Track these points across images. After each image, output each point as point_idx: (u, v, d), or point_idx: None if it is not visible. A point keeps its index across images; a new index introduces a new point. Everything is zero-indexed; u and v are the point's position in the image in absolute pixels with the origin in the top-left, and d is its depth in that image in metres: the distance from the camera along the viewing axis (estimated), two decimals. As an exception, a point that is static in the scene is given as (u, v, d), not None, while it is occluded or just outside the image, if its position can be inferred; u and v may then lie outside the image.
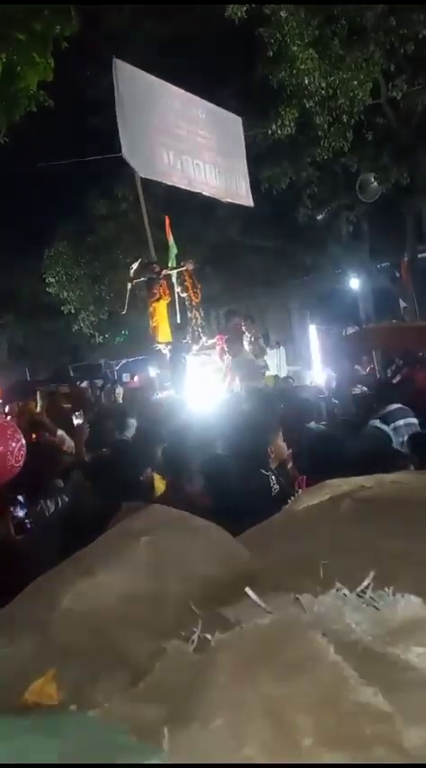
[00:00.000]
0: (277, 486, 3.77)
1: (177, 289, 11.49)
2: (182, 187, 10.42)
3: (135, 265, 11.58)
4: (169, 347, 10.67)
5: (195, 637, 0.73)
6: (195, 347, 10.89)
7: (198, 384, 9.83)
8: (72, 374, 16.83)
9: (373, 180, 14.42)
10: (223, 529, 1.08)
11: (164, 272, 11.29)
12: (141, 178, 9.57)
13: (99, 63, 10.82)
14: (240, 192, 11.59)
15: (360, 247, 18.05)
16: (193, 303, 11.41)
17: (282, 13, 11.86)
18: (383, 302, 18.66)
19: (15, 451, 3.57)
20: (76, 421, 6.84)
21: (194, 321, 11.32)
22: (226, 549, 0.98)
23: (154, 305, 11.21)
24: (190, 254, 12.27)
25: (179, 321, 11.51)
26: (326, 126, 13.04)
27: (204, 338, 11.21)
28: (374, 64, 12.18)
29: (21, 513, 3.74)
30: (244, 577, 0.93)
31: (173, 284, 11.46)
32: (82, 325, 18.13)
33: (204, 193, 10.85)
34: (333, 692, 0.58)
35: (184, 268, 11.44)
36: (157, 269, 11.25)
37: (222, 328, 11.39)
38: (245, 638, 0.67)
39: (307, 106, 12.62)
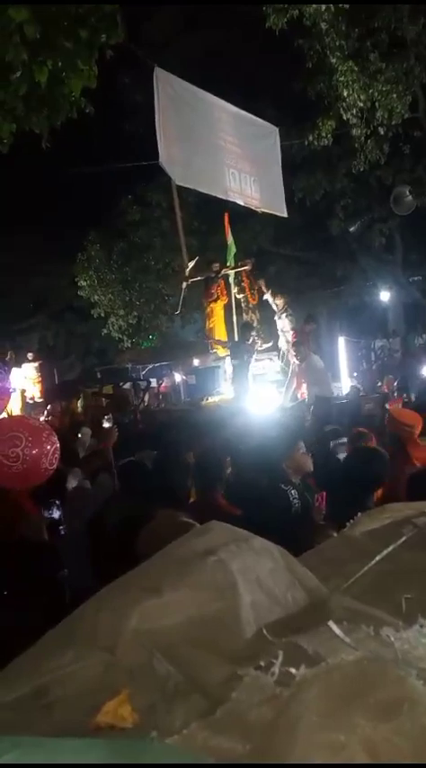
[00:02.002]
0: (297, 501, 3.65)
1: (234, 289, 11.07)
2: (218, 196, 10.44)
3: (191, 264, 11.14)
4: (229, 347, 10.22)
5: (276, 669, 0.71)
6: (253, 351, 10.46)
7: (255, 390, 9.50)
8: (99, 376, 16.93)
9: (408, 193, 14.29)
10: (285, 550, 1.06)
11: (223, 271, 10.97)
12: (177, 185, 9.62)
13: (137, 71, 10.93)
14: (274, 202, 11.56)
15: (392, 260, 17.91)
16: (250, 304, 11.05)
17: (322, 25, 11.83)
18: (413, 316, 18.48)
19: (50, 454, 3.57)
20: (106, 424, 6.87)
21: (251, 323, 10.90)
22: (294, 574, 0.95)
23: (211, 305, 10.97)
24: (201, 266, 11.91)
25: (235, 322, 11.06)
26: (363, 138, 12.97)
27: (260, 341, 10.83)
28: (414, 77, 12.09)
29: (55, 516, 3.75)
30: (316, 604, 0.91)
31: (230, 284, 11.07)
32: (111, 329, 18.27)
33: (239, 202, 10.84)
34: (436, 738, 0.56)
35: (243, 268, 11.05)
36: (217, 267, 11.00)
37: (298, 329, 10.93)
38: (333, 674, 0.65)
39: (345, 118, 12.57)
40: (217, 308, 10.83)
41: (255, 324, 10.87)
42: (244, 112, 10.98)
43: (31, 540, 3.31)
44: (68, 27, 5.74)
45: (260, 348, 10.67)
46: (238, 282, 11.11)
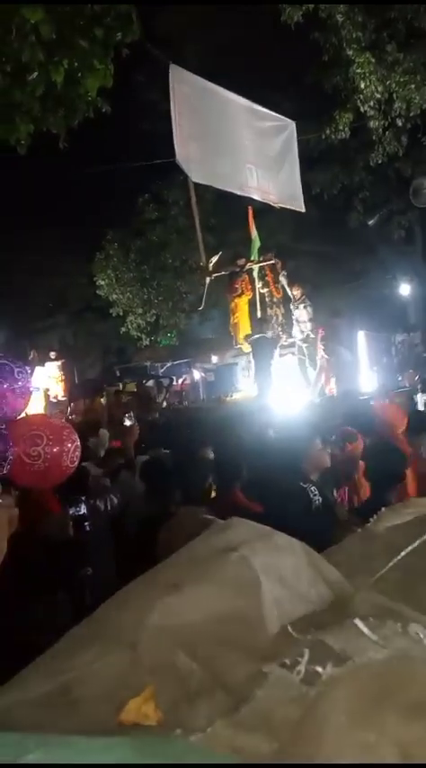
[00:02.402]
0: (318, 498, 3.62)
1: (258, 284, 10.88)
2: (234, 192, 10.39)
3: (215, 258, 11.04)
4: (253, 342, 10.04)
5: (302, 667, 0.69)
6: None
7: (280, 385, 9.32)
8: (118, 375, 17.02)
9: (427, 185, 14.12)
10: (308, 546, 1.04)
11: (248, 265, 10.82)
12: (194, 183, 9.60)
13: (153, 67, 10.92)
14: (292, 197, 11.46)
15: (412, 252, 17.71)
16: (275, 299, 10.89)
17: (338, 17, 11.72)
18: (434, 309, 18.25)
19: (71, 452, 3.59)
20: (127, 422, 6.89)
21: (275, 318, 10.75)
22: (317, 570, 0.94)
23: (235, 300, 10.83)
24: (225, 261, 11.61)
25: (259, 317, 10.85)
26: (381, 130, 12.82)
27: (284, 336, 10.68)
28: (432, 67, 11.94)
29: (80, 513, 3.76)
30: (340, 600, 0.89)
31: (254, 279, 10.90)
32: (129, 327, 18.33)
33: (256, 198, 10.78)
34: None
35: (268, 262, 10.88)
36: (242, 262, 10.85)
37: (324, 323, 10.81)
38: (361, 674, 0.63)
39: (362, 110, 12.44)
40: (242, 303, 10.70)
41: (280, 318, 10.71)
42: (259, 107, 10.91)
43: (53, 538, 3.33)
44: (84, 26, 5.75)
45: (284, 343, 10.52)
46: (262, 277, 10.96)
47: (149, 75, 13.47)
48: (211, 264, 11.04)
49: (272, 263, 10.97)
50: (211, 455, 4.02)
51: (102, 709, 0.77)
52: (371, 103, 12.19)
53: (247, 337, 10.44)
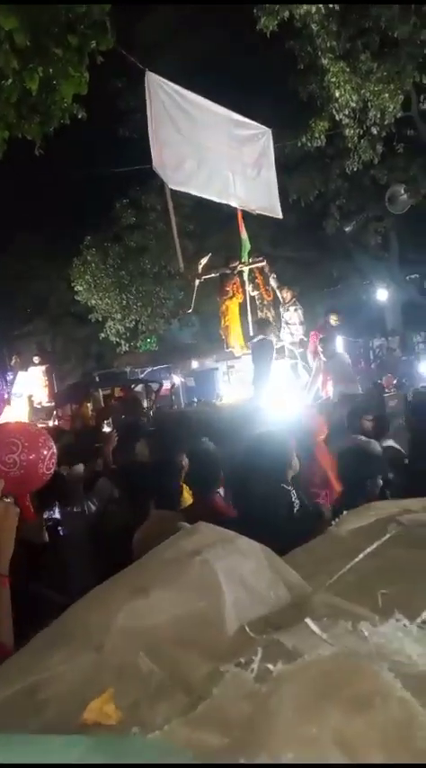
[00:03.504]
0: (297, 502, 3.67)
1: (248, 287, 10.77)
2: (212, 198, 10.45)
3: (204, 260, 10.98)
4: (255, 341, 9.84)
5: (255, 665, 0.73)
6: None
7: (276, 388, 9.18)
8: (97, 380, 16.97)
9: (403, 192, 14.33)
10: (270, 550, 1.08)
11: (239, 267, 10.72)
12: (171, 189, 9.64)
13: (129, 74, 10.95)
14: (269, 204, 11.55)
15: (389, 258, 17.95)
16: (265, 302, 10.76)
17: (313, 26, 11.89)
18: (411, 314, 18.50)
19: (47, 459, 3.58)
20: (106, 429, 6.87)
21: (269, 320, 10.43)
22: (278, 572, 0.97)
23: (226, 303, 10.69)
24: (215, 263, 11.72)
25: (250, 321, 10.76)
26: (356, 138, 13.00)
27: (277, 339, 10.46)
28: (406, 76, 12.11)
29: (54, 517, 3.77)
30: (298, 602, 0.93)
31: (244, 282, 10.80)
32: (109, 332, 18.29)
33: (233, 205, 10.85)
34: (405, 728, 0.58)
35: (258, 264, 10.79)
36: (233, 264, 10.77)
37: (318, 326, 10.62)
38: (309, 670, 0.67)
39: (337, 118, 12.61)
40: (233, 306, 10.62)
41: (271, 321, 10.58)
42: (236, 115, 10.98)
43: (30, 541, 3.33)
44: (58, 34, 5.77)
45: (277, 346, 10.35)
46: (252, 279, 10.89)
47: (128, 82, 13.50)
48: (200, 267, 10.97)
49: (262, 266, 10.91)
50: (185, 460, 4.04)
51: (68, 709, 0.80)
52: (346, 112, 12.36)
53: (249, 339, 10.33)
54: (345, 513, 1.27)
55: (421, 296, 18.30)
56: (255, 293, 10.91)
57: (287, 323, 10.73)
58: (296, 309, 10.73)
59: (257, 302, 10.93)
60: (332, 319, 10.61)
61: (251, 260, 10.96)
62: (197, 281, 11.14)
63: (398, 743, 0.56)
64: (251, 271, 10.91)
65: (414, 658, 0.71)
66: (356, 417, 5.04)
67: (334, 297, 18.58)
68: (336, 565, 1.06)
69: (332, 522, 1.25)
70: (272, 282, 10.82)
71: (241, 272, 10.89)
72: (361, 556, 1.05)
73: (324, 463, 4.13)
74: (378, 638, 0.74)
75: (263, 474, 3.75)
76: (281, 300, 10.78)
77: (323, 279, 18.58)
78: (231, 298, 10.64)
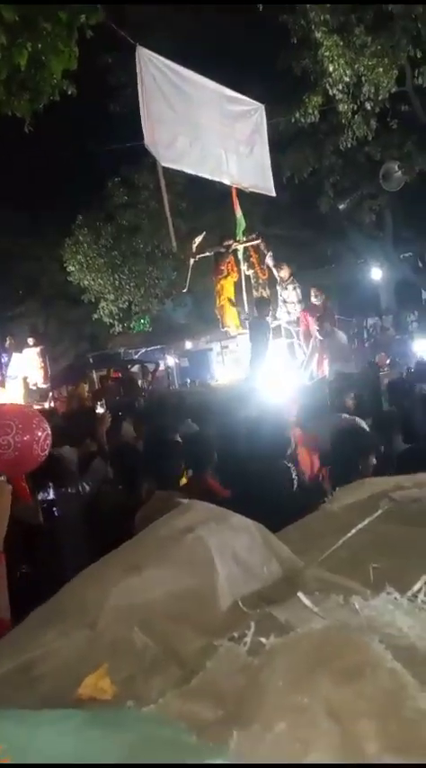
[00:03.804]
0: (296, 478, 3.71)
1: (243, 265, 10.63)
2: (204, 176, 10.34)
3: (198, 239, 10.84)
4: (248, 321, 9.81)
5: (248, 639, 0.73)
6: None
7: (274, 368, 9.16)
8: (91, 362, 16.92)
9: (397, 169, 14.20)
10: (263, 527, 1.09)
11: (233, 245, 10.61)
12: (163, 167, 9.53)
13: (121, 50, 10.76)
14: (262, 181, 11.44)
15: (383, 237, 17.85)
16: (260, 281, 10.61)
17: (307, -1, 11.72)
18: (405, 293, 18.48)
19: (41, 440, 3.59)
20: (99, 410, 6.88)
21: (266, 299, 10.34)
22: (270, 548, 0.98)
23: (221, 282, 10.56)
24: (210, 242, 11.58)
25: (245, 299, 10.67)
26: (350, 114, 12.85)
27: (273, 319, 10.35)
28: (400, 51, 11.94)
29: (49, 498, 3.79)
30: (290, 577, 0.94)
31: (239, 260, 10.67)
32: (102, 313, 18.18)
33: (226, 182, 10.75)
34: (394, 698, 0.59)
35: (253, 242, 10.62)
36: (227, 242, 10.66)
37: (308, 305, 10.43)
38: (301, 642, 0.68)
39: (331, 93, 12.45)
40: (227, 285, 10.48)
41: (268, 300, 10.46)
42: (229, 90, 10.83)
43: (26, 522, 3.34)
44: (47, 9, 5.65)
45: (273, 325, 10.27)
46: (247, 258, 10.74)
47: (120, 57, 13.25)
48: (194, 246, 10.85)
49: (257, 244, 10.73)
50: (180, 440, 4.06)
51: (63, 685, 0.81)
52: (340, 87, 12.21)
53: (246, 317, 10.22)
54: (338, 489, 1.28)
55: (415, 275, 18.25)
56: (250, 272, 10.78)
57: (285, 301, 10.63)
58: (294, 288, 10.61)
59: (252, 281, 10.82)
60: (313, 296, 10.39)
61: (245, 238, 10.87)
62: (191, 261, 11.03)
63: (388, 712, 0.57)
64: (245, 249, 10.82)
65: (405, 631, 0.71)
66: (340, 396, 5.08)
67: (328, 276, 18.52)
68: (328, 540, 1.07)
69: (325, 499, 1.26)
70: (269, 261, 10.70)
71: (236, 251, 10.80)
72: (353, 531, 1.06)
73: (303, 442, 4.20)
74: (370, 611, 0.75)
75: (265, 451, 3.78)
76: (279, 279, 10.67)
77: (317, 258, 18.48)
78: (226, 277, 10.53)
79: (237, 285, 10.78)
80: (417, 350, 12.43)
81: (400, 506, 1.16)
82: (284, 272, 10.64)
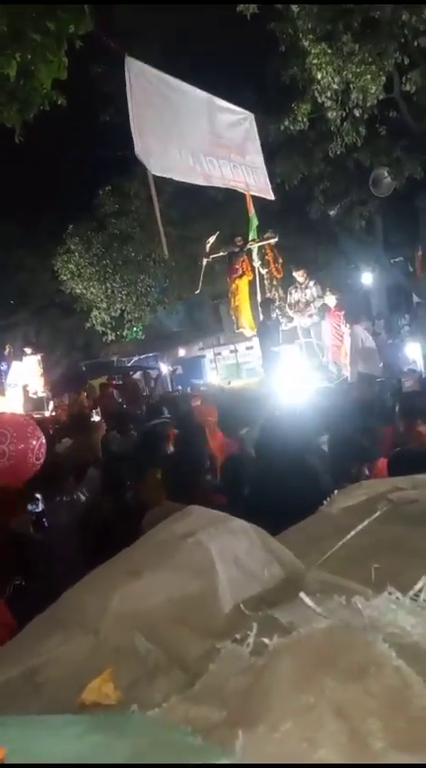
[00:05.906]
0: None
1: (257, 264, 10.51)
2: (197, 183, 10.36)
3: (212, 239, 10.74)
4: (260, 327, 9.58)
5: (251, 640, 0.73)
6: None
7: (287, 371, 8.92)
8: (84, 370, 16.88)
9: (386, 174, 14.30)
10: (262, 530, 1.09)
11: (248, 245, 10.50)
12: (154, 176, 9.56)
13: (111, 59, 10.81)
14: (260, 186, 11.45)
15: (373, 242, 17.95)
16: (275, 280, 10.48)
17: (294, 8, 11.79)
18: (396, 297, 18.57)
19: (36, 449, 3.59)
20: (94, 418, 6.85)
21: (276, 301, 10.31)
22: (271, 551, 0.98)
23: (236, 282, 10.47)
24: (237, 236, 11.30)
25: (265, 297, 10.44)
26: (339, 121, 12.94)
27: (284, 320, 10.24)
28: (387, 57, 12.04)
29: (38, 511, 3.77)
30: (291, 579, 0.94)
31: (253, 259, 10.59)
32: (94, 322, 18.17)
33: (223, 186, 10.70)
34: (400, 696, 0.59)
35: (268, 241, 10.50)
36: (241, 242, 10.55)
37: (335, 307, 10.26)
38: (304, 643, 0.68)
39: (320, 101, 12.54)
40: (242, 285, 10.35)
41: (277, 301, 10.33)
42: (218, 99, 10.89)
43: (20, 532, 3.34)
44: (36, 19, 5.67)
45: (284, 328, 10.09)
46: (262, 257, 10.63)
47: (109, 67, 13.32)
48: (208, 246, 10.75)
49: (274, 242, 10.62)
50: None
51: (66, 691, 0.80)
52: (328, 94, 12.30)
53: (258, 320, 9.93)
54: (335, 492, 1.28)
55: (406, 279, 18.34)
56: (265, 271, 10.62)
57: (307, 302, 10.40)
58: (313, 287, 10.39)
59: (266, 281, 10.63)
60: (331, 295, 10.09)
61: (261, 237, 10.70)
62: (204, 261, 10.90)
63: (394, 710, 0.57)
64: (261, 248, 10.60)
65: (408, 629, 0.72)
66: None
67: (320, 281, 18.56)
68: (328, 542, 1.07)
69: (324, 502, 1.26)
70: (280, 261, 10.58)
71: (250, 250, 10.64)
72: (353, 533, 1.06)
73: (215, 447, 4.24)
74: (372, 610, 0.75)
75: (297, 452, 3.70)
76: (297, 283, 10.51)
77: (309, 263, 18.52)
78: (241, 276, 10.38)
79: (252, 285, 10.61)
80: (409, 354, 12.49)
81: (398, 507, 1.17)
82: (301, 276, 10.48)
